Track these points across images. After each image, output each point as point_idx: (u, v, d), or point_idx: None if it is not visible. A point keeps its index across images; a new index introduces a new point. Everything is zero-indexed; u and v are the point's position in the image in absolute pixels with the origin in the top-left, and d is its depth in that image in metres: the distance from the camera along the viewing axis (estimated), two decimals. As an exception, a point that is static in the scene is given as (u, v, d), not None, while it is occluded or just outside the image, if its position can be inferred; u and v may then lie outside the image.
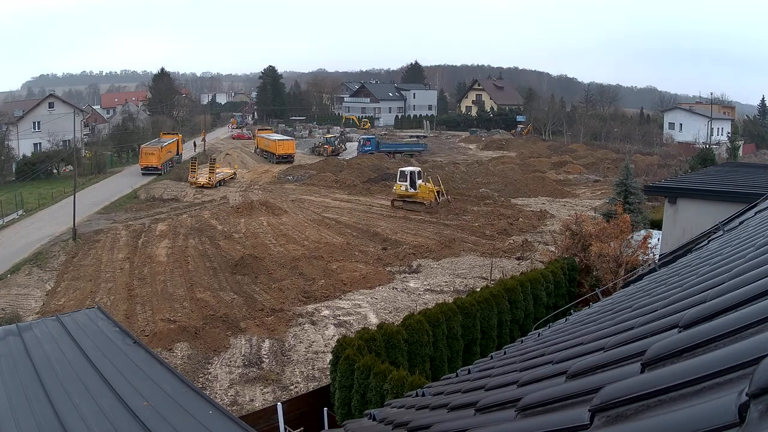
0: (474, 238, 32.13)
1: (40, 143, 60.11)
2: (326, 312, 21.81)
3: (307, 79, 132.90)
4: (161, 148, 54.92)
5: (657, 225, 23.14)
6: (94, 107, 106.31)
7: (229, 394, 15.98)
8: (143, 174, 52.30)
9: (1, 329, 10.12)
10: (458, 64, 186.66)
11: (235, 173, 52.86)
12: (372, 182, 47.90)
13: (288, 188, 47.15)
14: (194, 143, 69.88)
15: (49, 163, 55.14)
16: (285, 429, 12.34)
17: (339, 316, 21.51)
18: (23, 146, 58.52)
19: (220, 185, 47.78)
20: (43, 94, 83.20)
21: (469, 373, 4.97)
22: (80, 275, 26.12)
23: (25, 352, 8.59)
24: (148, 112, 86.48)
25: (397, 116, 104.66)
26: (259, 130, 75.71)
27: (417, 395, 4.77)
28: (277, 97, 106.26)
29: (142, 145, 56.54)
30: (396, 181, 40.01)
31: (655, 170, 51.87)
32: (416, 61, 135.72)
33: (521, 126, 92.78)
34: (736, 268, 2.86)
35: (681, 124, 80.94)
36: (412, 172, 39.69)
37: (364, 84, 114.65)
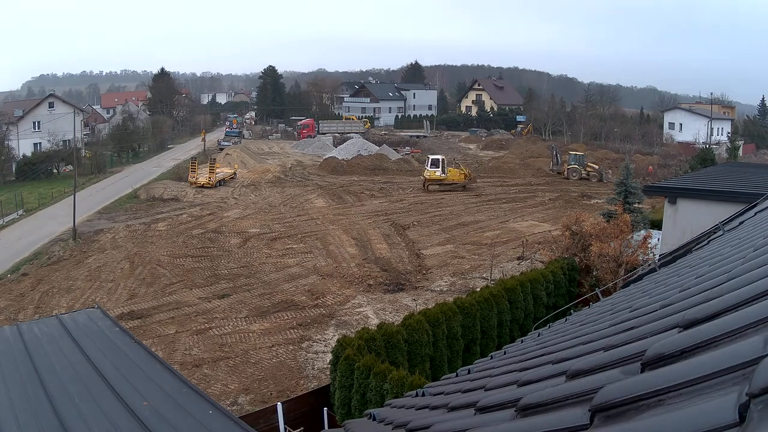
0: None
1: (40, 143, 60.07)
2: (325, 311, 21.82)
3: (307, 79, 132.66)
4: None
5: (657, 225, 23.13)
6: (94, 107, 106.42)
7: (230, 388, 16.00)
8: None
9: (1, 329, 10.13)
10: (458, 64, 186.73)
11: (235, 173, 52.78)
12: (372, 182, 47.97)
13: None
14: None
15: (49, 162, 55.13)
16: (285, 429, 12.34)
17: (339, 315, 21.52)
18: (23, 146, 58.50)
19: (220, 185, 47.71)
20: (43, 94, 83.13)
21: (469, 373, 4.97)
22: (80, 275, 26.11)
23: (25, 352, 8.60)
24: (148, 112, 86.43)
25: (397, 116, 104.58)
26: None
27: (417, 395, 4.77)
28: (277, 97, 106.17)
29: None
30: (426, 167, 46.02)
31: (656, 170, 51.85)
32: (416, 61, 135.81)
33: (521, 126, 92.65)
34: (735, 268, 2.86)
35: (681, 124, 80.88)
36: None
37: (364, 84, 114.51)
